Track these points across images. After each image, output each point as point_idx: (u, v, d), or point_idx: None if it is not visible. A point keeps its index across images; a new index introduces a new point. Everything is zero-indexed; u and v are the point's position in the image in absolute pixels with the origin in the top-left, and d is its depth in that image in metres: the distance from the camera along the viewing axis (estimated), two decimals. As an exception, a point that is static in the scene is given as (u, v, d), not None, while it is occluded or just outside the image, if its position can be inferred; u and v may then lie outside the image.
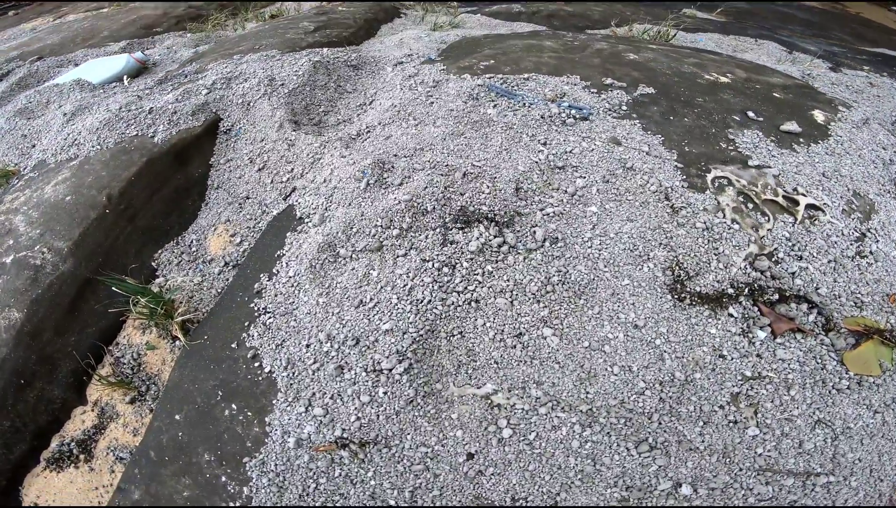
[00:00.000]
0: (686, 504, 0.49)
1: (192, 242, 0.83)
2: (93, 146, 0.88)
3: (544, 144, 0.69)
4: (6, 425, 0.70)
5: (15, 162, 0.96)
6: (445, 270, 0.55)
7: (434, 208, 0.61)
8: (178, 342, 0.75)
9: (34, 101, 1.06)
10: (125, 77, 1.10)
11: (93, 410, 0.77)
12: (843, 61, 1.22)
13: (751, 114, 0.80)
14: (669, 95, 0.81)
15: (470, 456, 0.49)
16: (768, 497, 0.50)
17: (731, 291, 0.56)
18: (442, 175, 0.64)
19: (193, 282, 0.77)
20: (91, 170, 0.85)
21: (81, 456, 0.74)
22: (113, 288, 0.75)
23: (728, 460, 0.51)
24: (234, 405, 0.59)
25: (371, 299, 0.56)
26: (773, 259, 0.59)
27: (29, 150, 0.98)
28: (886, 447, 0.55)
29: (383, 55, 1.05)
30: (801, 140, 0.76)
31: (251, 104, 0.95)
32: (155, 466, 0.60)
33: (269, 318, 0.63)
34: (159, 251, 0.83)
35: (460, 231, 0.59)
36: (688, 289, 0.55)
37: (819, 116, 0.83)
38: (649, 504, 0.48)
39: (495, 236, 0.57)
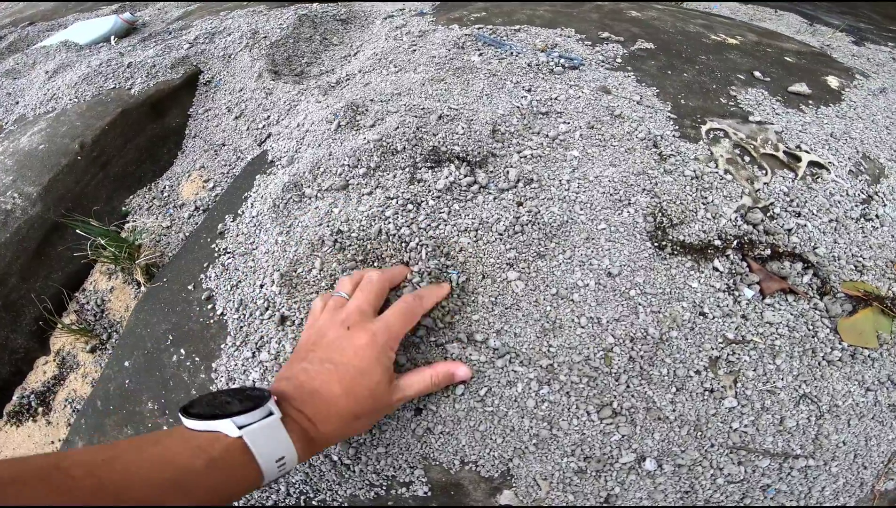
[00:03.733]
0: (649, 481, 0.44)
1: (164, 187, 0.80)
2: (70, 99, 0.87)
3: (528, 90, 0.65)
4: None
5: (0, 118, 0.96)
6: (409, 207, 0.52)
7: (405, 147, 0.57)
8: (141, 288, 0.72)
9: (21, 62, 1.06)
10: (113, 37, 1.08)
11: (54, 360, 0.76)
12: (868, 37, 1.14)
13: (757, 74, 0.74)
14: (670, 51, 0.76)
15: (418, 412, 0.46)
16: (739, 478, 0.46)
17: (717, 242, 0.51)
18: (416, 117, 0.60)
19: (162, 226, 0.74)
20: (66, 121, 0.85)
21: (40, 409, 0.73)
22: (77, 231, 0.73)
23: (699, 434, 0.46)
24: (182, 351, 0.56)
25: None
26: (769, 214, 0.54)
27: (13, 106, 0.98)
28: (875, 430, 0.49)
29: (375, 9, 1.01)
30: (811, 102, 0.70)
31: (232, 57, 0.92)
32: (100, 416, 0.58)
33: (229, 258, 0.60)
34: (130, 197, 0.81)
35: (430, 170, 0.55)
36: (670, 237, 0.50)
37: (833, 81, 0.77)
38: (608, 479, 0.44)
39: (465, 176, 0.53)
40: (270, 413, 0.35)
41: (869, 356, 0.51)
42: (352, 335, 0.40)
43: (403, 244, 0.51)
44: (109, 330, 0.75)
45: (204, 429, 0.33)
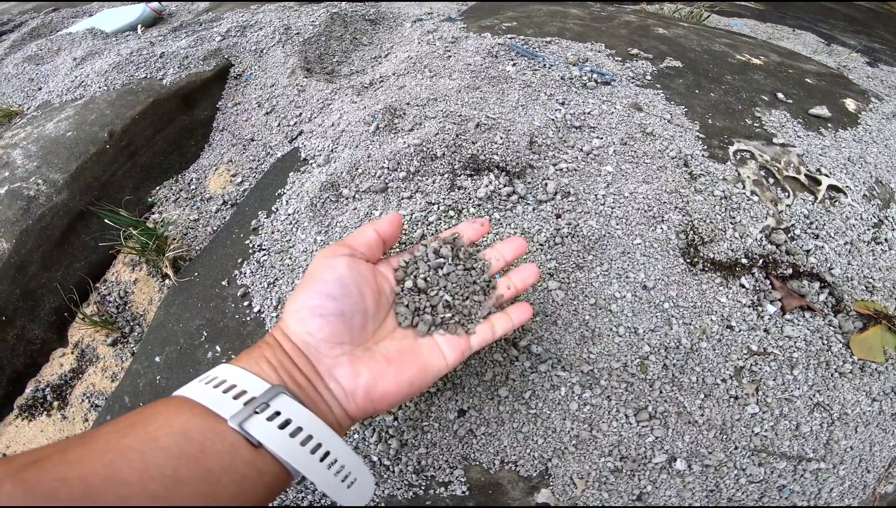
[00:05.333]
0: (679, 480, 0.47)
1: (191, 180, 0.81)
2: (99, 87, 0.86)
3: (562, 103, 0.67)
4: (-18, 369, 0.68)
5: (19, 103, 0.94)
6: (451, 213, 0.53)
7: (444, 154, 0.58)
8: (168, 281, 0.73)
9: (45, 48, 1.04)
10: (140, 26, 1.07)
11: (72, 352, 0.74)
12: (882, 58, 1.18)
13: (780, 95, 0.77)
14: (697, 70, 0.78)
15: (461, 413, 0.47)
16: (759, 479, 0.49)
17: (744, 261, 0.54)
18: (454, 124, 0.62)
19: (190, 218, 0.75)
20: (95, 108, 0.84)
21: (55, 403, 0.70)
22: (105, 220, 0.73)
23: (725, 437, 0.49)
24: (217, 347, 0.57)
25: (372, 239, 0.54)
26: (790, 235, 0.57)
27: (35, 92, 0.96)
28: (879, 436, 0.53)
29: (402, 12, 1.01)
30: (830, 125, 0.74)
31: (264, 51, 0.92)
32: (128, 412, 0.58)
33: (264, 256, 0.61)
34: (157, 188, 0.81)
35: (469, 178, 0.56)
36: (701, 254, 0.53)
37: (850, 104, 0.80)
38: (641, 477, 0.47)
39: (505, 186, 0.55)
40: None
41: (876, 369, 0.54)
42: None
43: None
44: (132, 323, 0.74)
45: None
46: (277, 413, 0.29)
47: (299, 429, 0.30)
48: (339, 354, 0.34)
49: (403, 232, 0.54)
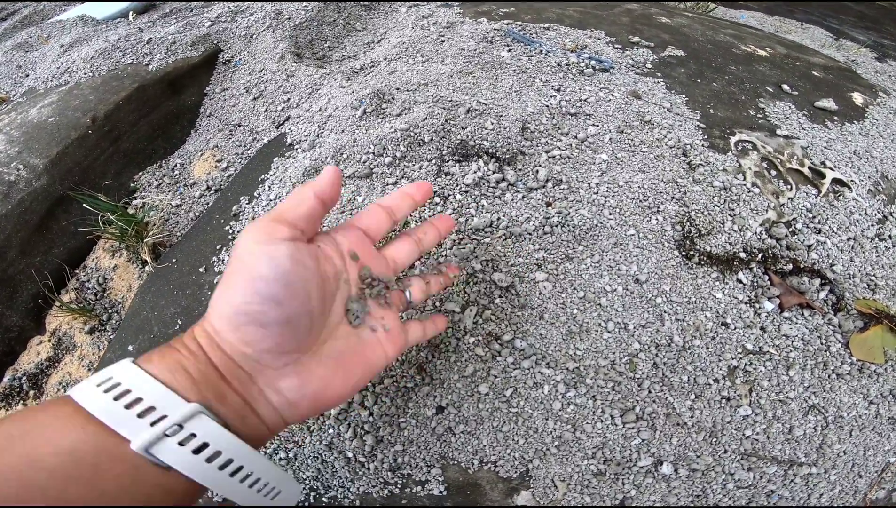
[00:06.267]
0: (664, 485, 0.45)
1: (175, 165, 0.78)
2: (85, 73, 0.84)
3: (558, 90, 0.64)
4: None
5: (6, 90, 0.93)
6: (436, 199, 0.51)
7: (432, 139, 0.56)
8: (147, 268, 0.71)
9: (34, 36, 1.02)
10: (131, 13, 1.05)
11: (49, 340, 0.73)
12: (891, 53, 1.15)
13: (785, 87, 0.74)
14: (700, 59, 0.75)
15: (440, 410, 0.45)
16: (748, 484, 0.47)
17: (742, 255, 0.51)
18: (444, 109, 0.59)
19: (172, 204, 0.73)
20: (79, 94, 0.82)
21: (31, 392, 0.69)
22: (84, 205, 0.71)
23: (714, 440, 0.47)
24: (194, 334, 0.55)
25: (353, 226, 0.52)
26: (791, 229, 0.54)
27: (22, 79, 0.95)
28: (873, 441, 0.51)
29: (397, -3, 0.99)
30: (836, 118, 0.71)
31: (254, 36, 0.90)
32: None
33: (244, 242, 0.58)
34: (140, 173, 0.79)
35: (457, 164, 0.54)
36: (697, 247, 0.50)
37: (858, 98, 0.77)
38: (625, 481, 0.44)
39: (494, 172, 0.53)
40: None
41: (875, 370, 0.52)
42: None
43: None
44: (110, 311, 0.73)
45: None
46: (192, 436, 0.26)
47: (218, 453, 0.26)
48: (283, 364, 0.29)
49: (386, 219, 0.52)
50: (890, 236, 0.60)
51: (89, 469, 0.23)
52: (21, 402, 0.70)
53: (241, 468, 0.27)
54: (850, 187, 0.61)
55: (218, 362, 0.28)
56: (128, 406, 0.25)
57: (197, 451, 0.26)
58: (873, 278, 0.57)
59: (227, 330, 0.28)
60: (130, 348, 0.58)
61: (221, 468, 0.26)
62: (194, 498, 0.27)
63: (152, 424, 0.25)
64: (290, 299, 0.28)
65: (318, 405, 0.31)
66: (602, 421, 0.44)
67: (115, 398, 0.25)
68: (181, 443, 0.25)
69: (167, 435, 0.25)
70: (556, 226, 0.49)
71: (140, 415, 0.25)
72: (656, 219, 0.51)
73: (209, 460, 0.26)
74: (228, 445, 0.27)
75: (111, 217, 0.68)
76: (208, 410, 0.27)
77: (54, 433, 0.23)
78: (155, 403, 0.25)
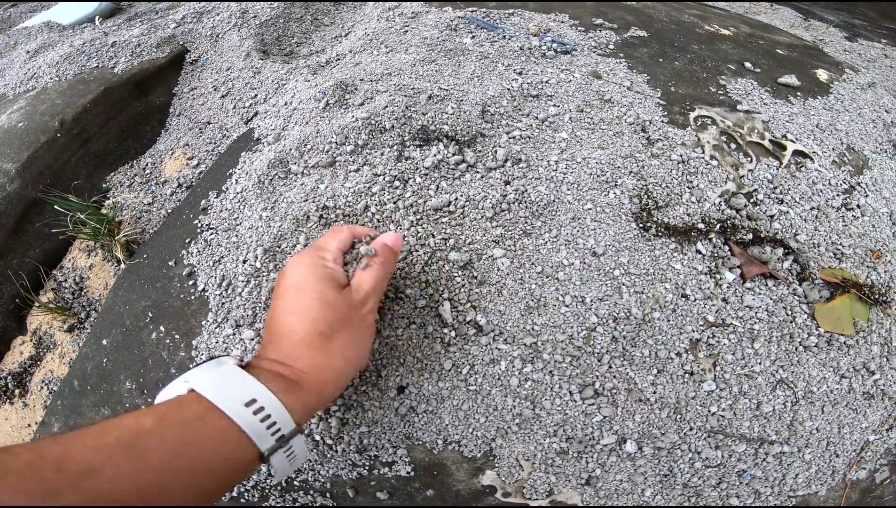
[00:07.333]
0: (629, 464, 0.45)
1: (147, 165, 0.79)
2: (51, 78, 0.85)
3: (520, 73, 0.65)
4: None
5: None
6: (396, 183, 0.51)
7: (393, 126, 0.56)
8: (122, 265, 0.71)
9: (1, 43, 1.03)
10: (97, 18, 1.05)
11: (31, 340, 0.74)
12: (861, 33, 1.16)
13: (748, 65, 0.74)
14: (662, 39, 0.76)
15: (401, 390, 0.45)
16: (717, 462, 0.46)
17: (701, 225, 0.51)
18: (405, 96, 0.59)
19: (144, 202, 0.73)
20: (46, 99, 0.83)
21: (17, 391, 0.71)
22: (55, 206, 0.71)
23: (679, 417, 0.46)
24: (162, 328, 0.55)
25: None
26: (752, 200, 0.55)
27: None
28: (848, 417, 0.50)
29: (367, -9, 0.99)
30: (799, 94, 0.71)
31: (220, 36, 0.90)
32: (77, 397, 0.57)
33: (211, 234, 0.59)
34: (112, 174, 0.79)
35: (418, 148, 0.54)
36: (654, 219, 0.50)
37: (822, 74, 0.78)
38: (589, 460, 0.44)
39: (454, 155, 0.53)
40: (221, 365, 0.33)
41: (845, 342, 0.52)
42: (285, 267, 0.39)
43: (389, 220, 0.50)
44: (88, 309, 0.73)
45: (162, 399, 0.31)
46: (291, 450, 0.33)
47: (293, 454, 0.34)
48: None
49: (347, 204, 0.52)
50: (858, 206, 0.60)
51: (242, 474, 0.32)
52: (8, 401, 0.70)
53: (296, 456, 0.34)
54: (812, 159, 0.61)
55: (313, 393, 0.35)
56: (262, 421, 0.31)
57: (290, 459, 0.33)
58: (840, 246, 0.57)
59: (333, 384, 0.37)
60: (105, 342, 0.58)
61: (291, 463, 0.34)
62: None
63: (276, 440, 0.32)
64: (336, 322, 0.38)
65: (294, 346, 0.35)
66: (560, 397, 0.44)
67: (254, 413, 0.31)
68: (286, 454, 0.33)
69: (281, 450, 0.32)
70: (514, 203, 0.49)
71: (271, 432, 0.31)
72: (614, 193, 0.51)
73: (290, 460, 0.34)
74: (302, 451, 0.34)
75: (83, 217, 0.69)
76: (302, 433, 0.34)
77: (217, 448, 0.29)
78: (280, 423, 0.32)
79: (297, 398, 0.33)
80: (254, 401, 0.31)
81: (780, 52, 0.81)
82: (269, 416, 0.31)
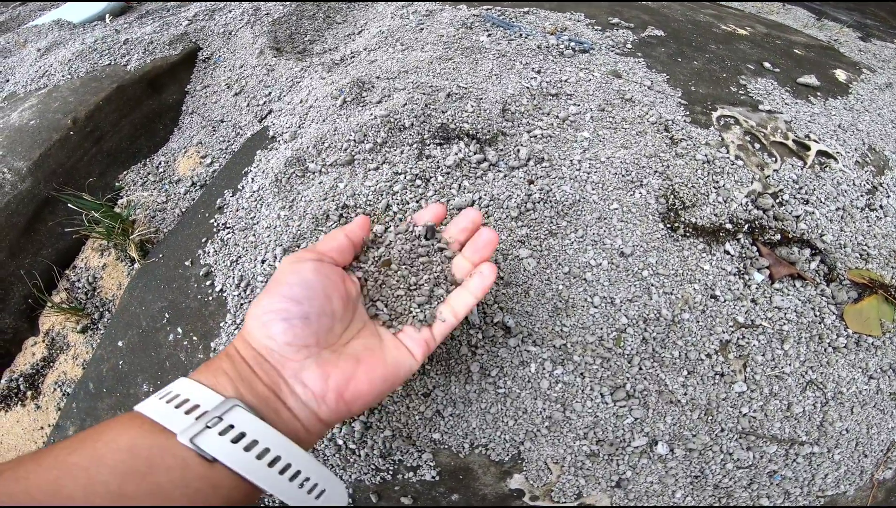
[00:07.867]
0: (660, 465, 0.44)
1: (160, 163, 0.78)
2: (63, 76, 0.84)
3: (538, 71, 0.64)
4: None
5: None
6: (418, 182, 0.50)
7: (412, 124, 0.56)
8: (136, 265, 0.70)
9: (11, 41, 1.03)
10: (108, 16, 1.04)
11: (43, 341, 0.73)
12: (875, 33, 1.15)
13: (767, 64, 0.74)
14: (680, 39, 0.75)
15: (427, 394, 0.44)
16: (748, 464, 0.46)
17: (729, 226, 0.51)
18: (424, 94, 0.59)
19: (157, 201, 0.72)
20: (58, 96, 0.82)
21: (29, 393, 0.70)
22: (69, 204, 0.70)
23: (710, 418, 0.46)
24: (179, 329, 0.54)
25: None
26: (778, 200, 0.54)
27: (3, 84, 0.94)
28: (876, 418, 0.49)
29: (379, -10, 0.98)
30: (819, 94, 0.71)
31: (233, 33, 0.90)
32: (93, 399, 0.56)
33: (228, 233, 0.58)
34: (125, 172, 0.78)
35: (438, 147, 0.53)
36: (682, 219, 0.50)
37: (841, 74, 0.77)
38: (620, 462, 0.43)
39: (475, 153, 0.52)
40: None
41: (872, 343, 0.51)
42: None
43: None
44: (101, 309, 0.72)
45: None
46: (231, 427, 0.28)
47: (255, 442, 0.29)
48: (304, 357, 0.33)
49: (367, 203, 0.51)
50: (881, 206, 0.60)
51: (144, 463, 0.26)
52: (20, 403, 0.69)
53: (278, 457, 0.29)
54: (836, 159, 0.61)
55: (248, 358, 0.33)
56: (176, 406, 0.29)
57: (235, 441, 0.28)
58: (865, 247, 0.56)
59: (255, 327, 0.33)
60: (120, 343, 0.57)
61: (259, 456, 0.28)
62: (246, 498, 0.29)
63: (196, 418, 0.28)
64: (309, 299, 0.33)
65: (344, 398, 0.33)
66: (592, 400, 0.43)
67: (167, 402, 0.29)
68: (221, 433, 0.28)
69: (208, 427, 0.28)
70: (539, 203, 0.49)
71: (186, 412, 0.28)
72: (640, 193, 0.50)
73: (247, 448, 0.28)
74: (264, 434, 0.29)
75: (96, 215, 0.68)
76: (242, 402, 0.30)
77: (116, 435, 0.27)
78: (198, 401, 0.29)
79: (225, 370, 0.31)
80: (168, 392, 0.30)
81: (797, 52, 0.81)
82: (177, 396, 0.29)
